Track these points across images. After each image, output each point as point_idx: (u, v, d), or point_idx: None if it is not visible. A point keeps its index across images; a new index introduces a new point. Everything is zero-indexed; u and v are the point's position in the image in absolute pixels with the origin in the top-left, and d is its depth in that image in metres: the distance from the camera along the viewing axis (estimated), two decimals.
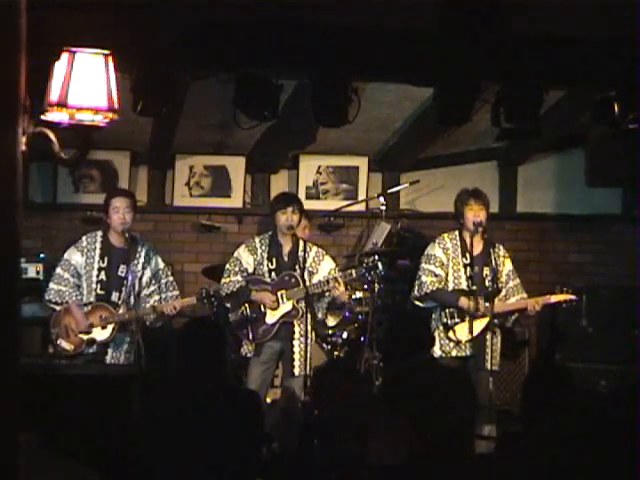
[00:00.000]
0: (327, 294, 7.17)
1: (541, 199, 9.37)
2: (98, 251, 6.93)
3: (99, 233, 7.00)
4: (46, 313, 7.09)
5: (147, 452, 4.28)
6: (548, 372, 4.43)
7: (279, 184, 9.19)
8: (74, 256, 6.94)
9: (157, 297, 6.97)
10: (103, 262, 6.91)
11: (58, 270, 6.96)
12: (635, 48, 5.74)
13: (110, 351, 6.91)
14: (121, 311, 6.90)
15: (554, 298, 7.31)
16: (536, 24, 6.04)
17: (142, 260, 6.94)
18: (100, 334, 6.86)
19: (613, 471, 2.80)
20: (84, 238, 6.99)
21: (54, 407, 3.47)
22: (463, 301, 7.14)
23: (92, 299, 6.90)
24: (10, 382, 2.39)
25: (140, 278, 6.92)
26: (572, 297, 7.35)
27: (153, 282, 6.99)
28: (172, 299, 6.99)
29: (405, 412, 2.84)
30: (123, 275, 6.91)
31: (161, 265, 7.06)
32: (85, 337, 6.83)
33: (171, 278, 7.14)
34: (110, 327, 6.87)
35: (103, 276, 6.91)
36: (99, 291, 6.90)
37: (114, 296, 6.91)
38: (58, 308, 6.90)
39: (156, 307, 6.89)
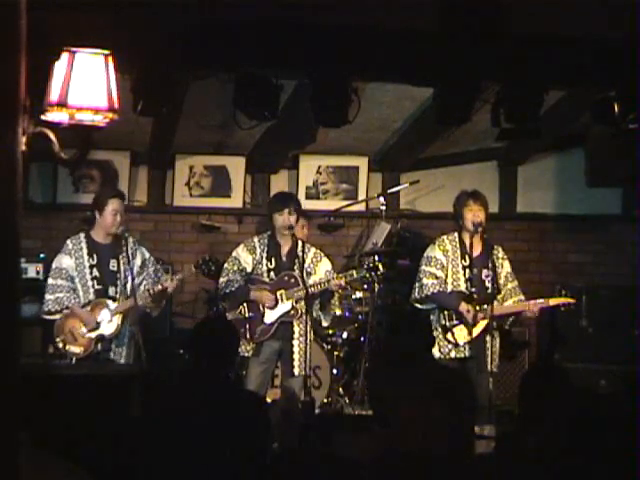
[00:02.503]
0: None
1: (541, 199, 9.36)
2: (85, 250, 6.94)
3: (82, 235, 7.02)
4: None
5: (147, 452, 4.28)
6: (544, 372, 4.43)
7: (279, 184, 9.19)
8: (63, 260, 6.94)
9: (146, 282, 6.96)
10: (93, 259, 6.93)
11: (50, 281, 6.94)
12: (635, 48, 5.74)
13: (113, 346, 6.91)
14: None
15: (552, 301, 7.30)
16: (536, 24, 6.04)
17: (130, 252, 6.94)
18: (107, 328, 6.86)
19: (613, 471, 2.80)
20: (68, 241, 7.00)
21: (54, 407, 3.47)
22: (463, 307, 7.12)
23: (90, 297, 6.89)
24: (10, 382, 2.38)
25: (132, 268, 6.92)
26: (570, 301, 7.34)
27: (141, 271, 7.01)
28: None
29: (405, 412, 2.84)
30: (115, 269, 6.92)
31: (147, 255, 7.10)
32: (93, 335, 6.83)
33: (158, 266, 7.19)
34: (115, 320, 6.86)
35: (96, 272, 6.92)
36: (96, 286, 6.91)
37: (111, 290, 6.92)
38: (58, 316, 6.88)
39: (149, 289, 6.88)
